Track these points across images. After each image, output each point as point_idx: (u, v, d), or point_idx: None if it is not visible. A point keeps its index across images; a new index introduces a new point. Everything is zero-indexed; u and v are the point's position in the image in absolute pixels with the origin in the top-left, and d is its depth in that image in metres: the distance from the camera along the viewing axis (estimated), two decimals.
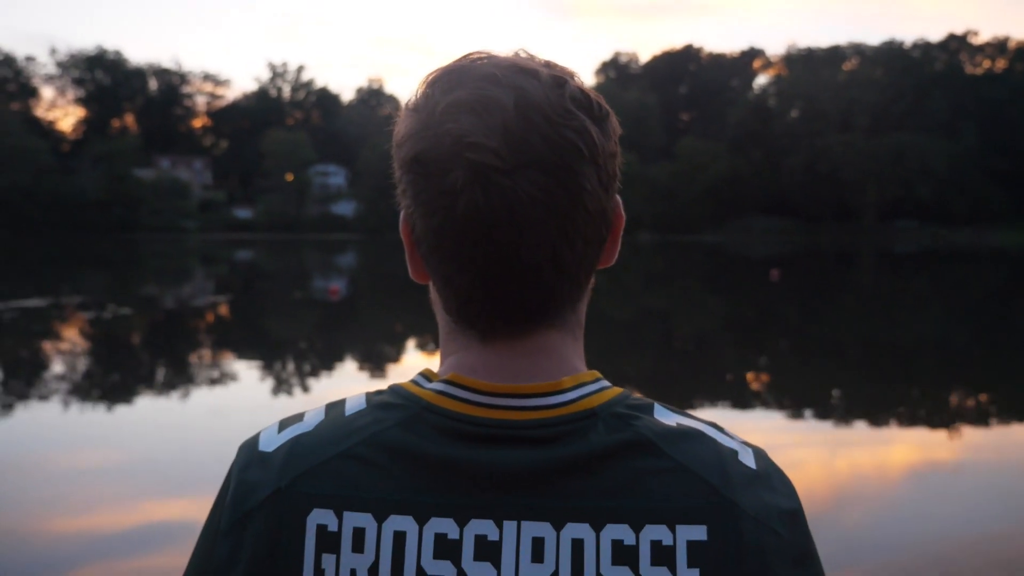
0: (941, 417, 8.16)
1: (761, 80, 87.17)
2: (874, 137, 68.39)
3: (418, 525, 0.60)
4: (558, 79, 0.64)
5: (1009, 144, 69.94)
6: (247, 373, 10.08)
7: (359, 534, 0.60)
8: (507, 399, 0.64)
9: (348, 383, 9.44)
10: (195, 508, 5.11)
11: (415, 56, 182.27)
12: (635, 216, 66.79)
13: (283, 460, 0.64)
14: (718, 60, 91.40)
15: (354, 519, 0.60)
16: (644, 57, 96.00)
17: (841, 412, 8.33)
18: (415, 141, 0.64)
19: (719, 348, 12.84)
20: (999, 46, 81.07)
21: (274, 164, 74.96)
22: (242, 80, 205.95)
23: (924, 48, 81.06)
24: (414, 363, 11.27)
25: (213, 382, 9.53)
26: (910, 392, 9.41)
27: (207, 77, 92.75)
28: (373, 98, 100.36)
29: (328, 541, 0.60)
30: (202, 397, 8.59)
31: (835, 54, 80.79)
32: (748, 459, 0.67)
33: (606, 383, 0.68)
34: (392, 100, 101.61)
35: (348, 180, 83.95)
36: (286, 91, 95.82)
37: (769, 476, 0.67)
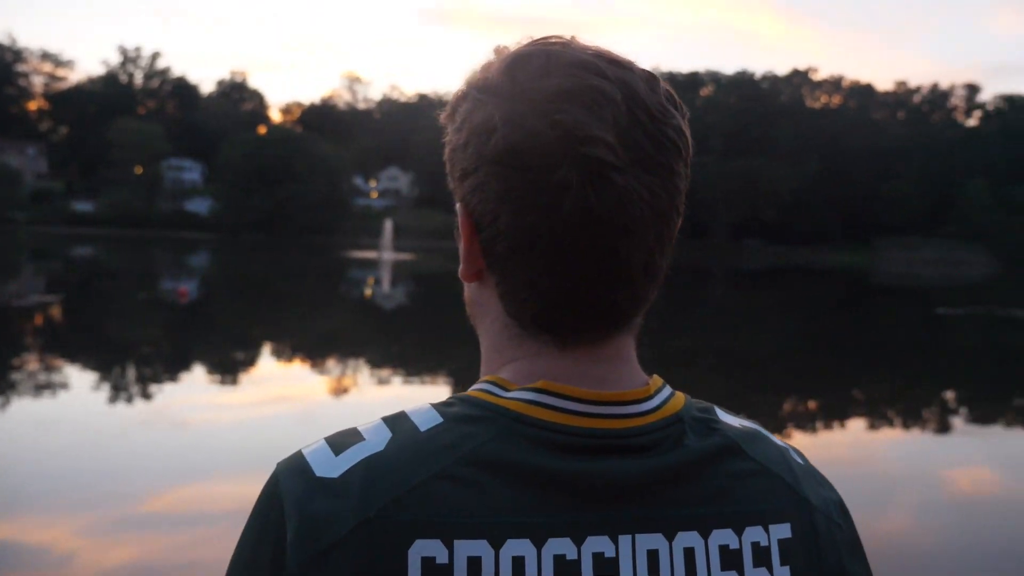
0: (782, 420, 8.68)
1: None
2: (727, 161, 72.75)
3: (536, 548, 0.55)
4: (650, 75, 0.62)
5: (845, 173, 76.49)
6: (79, 380, 9.29)
7: (474, 564, 0.53)
8: (606, 407, 0.61)
9: (196, 392, 8.89)
10: (14, 530, 4.61)
11: (284, 53, 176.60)
12: None
13: (362, 486, 0.55)
14: None
15: (467, 547, 0.54)
16: None
17: None
18: (509, 130, 0.59)
19: None
20: (835, 83, 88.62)
21: (122, 155, 70.13)
22: (88, 63, 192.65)
23: (772, 80, 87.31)
24: (268, 371, 10.78)
25: (39, 390, 8.67)
26: (754, 398, 9.95)
27: (46, 56, 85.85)
28: (236, 92, 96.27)
29: (437, 574, 0.53)
30: (25, 407, 7.81)
31: (694, 80, 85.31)
32: (796, 456, 0.69)
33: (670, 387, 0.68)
34: (256, 95, 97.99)
35: (204, 176, 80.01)
36: (138, 78, 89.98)
37: (814, 470, 0.69)
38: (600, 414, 0.61)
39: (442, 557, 0.53)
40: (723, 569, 0.59)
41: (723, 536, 0.60)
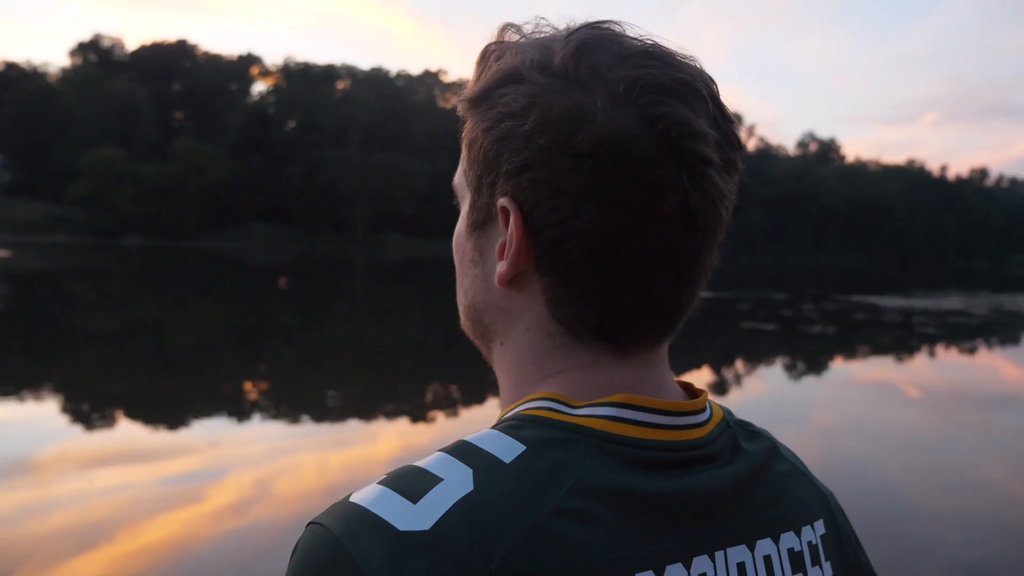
0: (422, 409, 9.07)
1: (260, 87, 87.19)
2: (366, 154, 73.97)
3: None
4: (705, 71, 0.60)
5: None
6: None
7: None
8: (680, 417, 0.58)
9: None
10: None
11: None
12: (122, 218, 60.76)
13: (469, 536, 0.47)
14: (215, 61, 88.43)
15: None
16: (131, 45, 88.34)
17: (338, 413, 8.66)
18: (605, 120, 0.53)
19: (219, 359, 12.31)
20: (463, 86, 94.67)
21: None
22: None
23: (407, 79, 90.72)
24: None
25: None
26: (396, 387, 10.26)
27: None
28: None
29: None
30: None
31: (330, 72, 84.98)
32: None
33: None
34: None
35: None
36: None
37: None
38: (678, 425, 0.57)
39: None
40: (793, 573, 0.59)
41: (789, 540, 0.60)
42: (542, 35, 0.61)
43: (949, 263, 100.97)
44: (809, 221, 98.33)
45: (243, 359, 12.23)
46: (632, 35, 0.59)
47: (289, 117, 78.30)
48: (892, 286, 38.14)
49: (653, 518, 0.52)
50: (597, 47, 0.57)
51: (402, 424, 8.26)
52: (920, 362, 14.17)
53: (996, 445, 7.89)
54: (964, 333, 18.58)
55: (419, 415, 8.68)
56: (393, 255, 59.55)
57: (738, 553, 0.56)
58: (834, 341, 16.55)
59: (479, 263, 0.63)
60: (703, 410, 0.60)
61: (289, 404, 8.93)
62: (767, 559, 0.57)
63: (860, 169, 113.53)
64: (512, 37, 0.63)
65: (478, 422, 8.54)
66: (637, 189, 0.54)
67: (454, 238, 0.67)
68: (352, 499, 0.51)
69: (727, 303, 24.63)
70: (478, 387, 10.43)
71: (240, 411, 8.45)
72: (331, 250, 62.13)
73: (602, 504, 0.50)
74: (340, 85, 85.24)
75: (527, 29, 0.62)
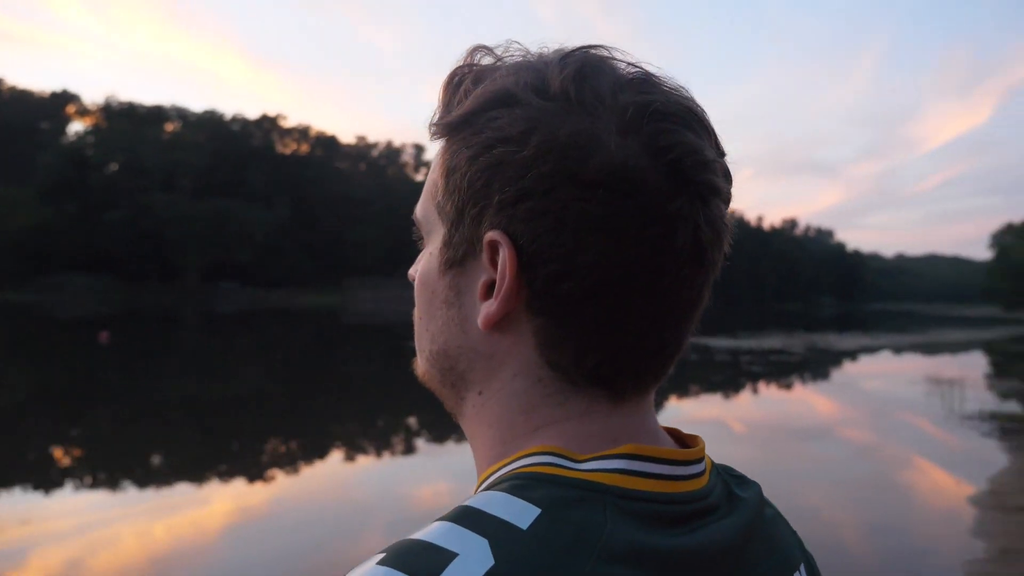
0: (259, 467, 8.52)
1: (76, 127, 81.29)
2: (198, 200, 70.50)
3: None
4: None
5: (315, 218, 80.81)
6: None
7: None
8: (683, 467, 0.53)
9: None
10: None
11: None
12: None
13: None
14: (24, 97, 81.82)
15: None
16: None
17: (164, 477, 7.95)
18: (616, 149, 0.50)
19: (27, 423, 11.03)
20: (303, 131, 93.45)
21: None
22: None
23: (243, 123, 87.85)
24: None
25: None
26: (231, 446, 9.60)
27: None
28: None
29: None
30: None
31: (158, 113, 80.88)
32: None
33: None
34: None
35: None
36: None
37: None
38: (684, 475, 0.53)
39: None
40: None
41: None
42: (518, 58, 0.56)
43: (767, 305, 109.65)
44: None
45: (56, 422, 11.03)
46: (626, 58, 0.55)
47: (110, 159, 73.47)
48: (720, 327, 40.75)
49: None
50: (597, 70, 0.53)
51: (238, 485, 7.70)
52: (746, 398, 15.10)
53: (813, 474, 8.45)
54: (785, 370, 20.10)
55: (256, 474, 8.14)
56: (228, 306, 56.68)
57: None
58: (671, 380, 17.27)
59: (454, 304, 0.56)
60: (702, 459, 0.56)
61: (108, 470, 8.11)
62: None
63: None
64: (485, 60, 0.57)
65: (323, 478, 8.17)
66: (649, 221, 0.50)
67: (419, 277, 0.60)
68: None
69: None
70: (320, 442, 9.99)
71: (49, 481, 7.56)
72: (158, 301, 58.25)
73: (632, 569, 0.46)
74: (169, 127, 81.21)
75: (499, 52, 0.57)
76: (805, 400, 14.91)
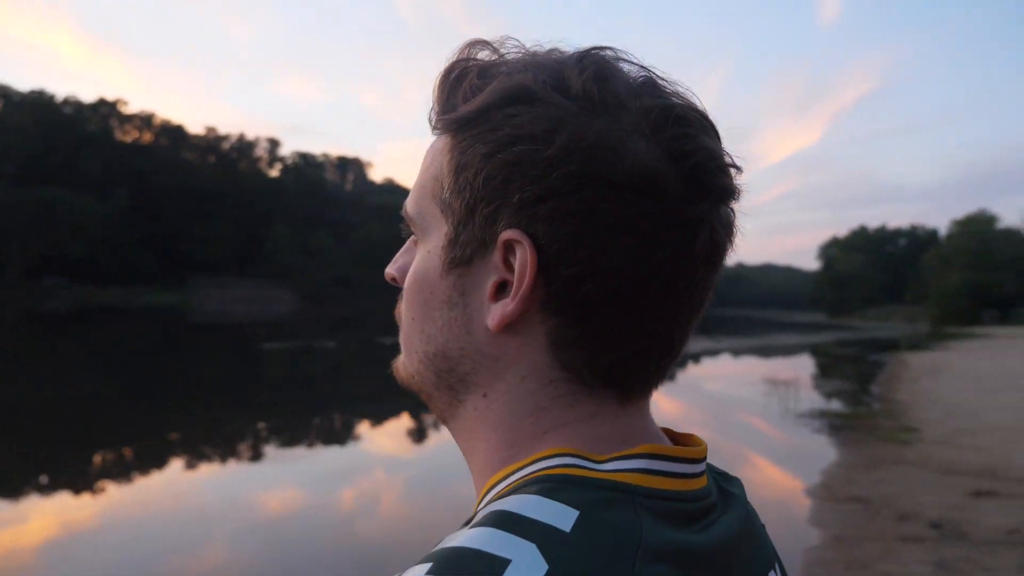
0: (86, 478, 7.78)
1: None
2: (23, 188, 64.43)
3: None
4: None
5: (158, 211, 75.92)
6: None
7: None
8: (692, 465, 0.54)
9: None
10: None
11: None
12: None
13: None
14: None
15: None
16: None
17: None
18: (645, 152, 0.50)
19: None
20: (146, 119, 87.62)
21: None
22: None
23: (76, 106, 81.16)
24: None
25: None
26: (54, 456, 8.72)
27: None
28: None
29: None
30: None
31: None
32: None
33: None
34: None
35: None
36: None
37: None
38: (693, 474, 0.54)
39: None
40: None
41: None
42: (520, 55, 0.56)
43: None
44: None
45: None
46: (628, 61, 0.56)
47: None
48: None
49: (705, 574, 0.49)
50: (613, 72, 0.53)
51: (63, 499, 6.98)
52: None
53: None
54: None
55: (83, 486, 7.42)
56: (56, 303, 52.11)
57: None
58: None
59: (458, 304, 0.55)
60: (705, 457, 0.57)
61: None
62: None
63: None
64: (483, 55, 0.57)
65: (160, 488, 7.55)
66: (671, 225, 0.51)
67: (412, 276, 0.58)
68: None
69: None
70: (158, 449, 9.28)
71: None
72: None
73: (671, 567, 0.47)
74: None
75: (497, 47, 0.57)
76: (652, 401, 15.50)
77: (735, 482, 0.61)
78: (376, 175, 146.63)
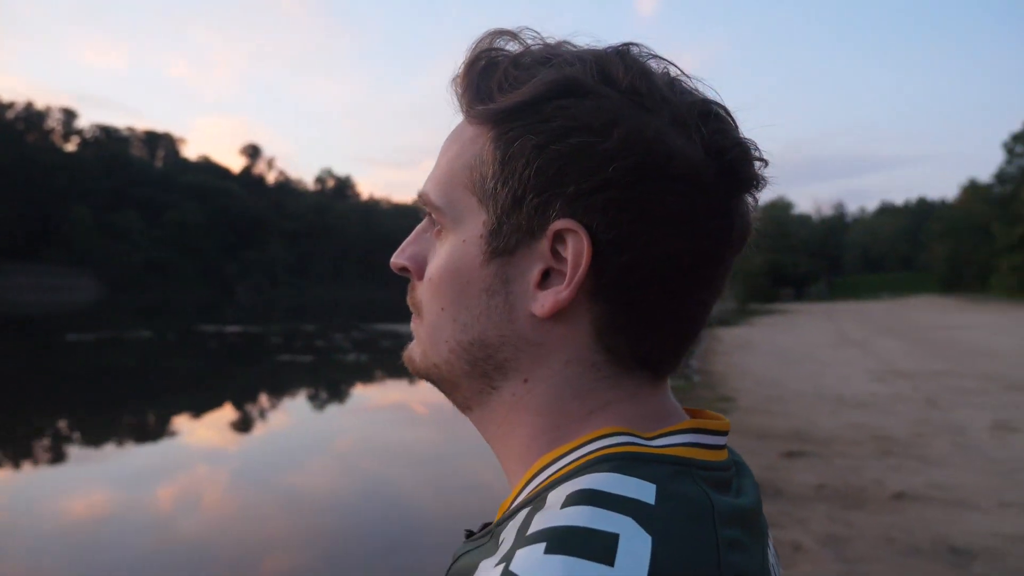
0: None
1: None
2: None
3: None
4: None
5: None
6: None
7: None
8: (724, 437, 0.58)
9: None
10: None
11: None
12: None
13: None
14: None
15: None
16: None
17: None
18: (696, 145, 0.53)
19: None
20: None
21: None
22: None
23: None
24: None
25: None
26: None
27: None
28: None
29: None
30: None
31: None
32: None
33: None
34: None
35: None
36: None
37: None
38: (722, 445, 0.58)
39: None
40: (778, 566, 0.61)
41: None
42: (546, 46, 0.57)
43: None
44: (329, 254, 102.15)
45: None
46: (654, 57, 0.58)
47: None
48: (406, 314, 41.50)
49: (753, 536, 0.53)
50: (650, 68, 0.56)
51: None
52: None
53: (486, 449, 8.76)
54: None
55: None
56: None
57: (771, 554, 0.59)
58: (371, 367, 17.16)
59: (499, 292, 0.56)
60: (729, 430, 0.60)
61: None
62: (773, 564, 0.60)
63: (374, 206, 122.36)
64: (510, 46, 0.58)
65: None
66: (714, 215, 0.54)
67: (443, 265, 0.58)
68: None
69: (259, 337, 23.92)
70: None
71: None
72: None
73: (737, 529, 0.50)
74: None
75: (522, 38, 0.59)
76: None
77: (733, 452, 0.63)
78: (190, 152, 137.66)
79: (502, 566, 0.44)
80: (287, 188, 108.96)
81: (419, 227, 0.63)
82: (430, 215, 0.61)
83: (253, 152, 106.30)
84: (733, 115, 0.57)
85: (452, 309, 0.58)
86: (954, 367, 12.83)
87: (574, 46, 0.57)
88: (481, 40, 0.58)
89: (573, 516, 0.45)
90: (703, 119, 0.54)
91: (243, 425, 10.12)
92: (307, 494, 6.69)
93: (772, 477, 6.58)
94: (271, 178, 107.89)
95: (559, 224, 0.52)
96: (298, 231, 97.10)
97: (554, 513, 0.46)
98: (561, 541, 0.44)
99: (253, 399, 12.46)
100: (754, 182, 0.56)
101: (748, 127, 0.58)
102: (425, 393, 13.49)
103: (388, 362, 18.33)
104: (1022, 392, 10.23)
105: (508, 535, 0.49)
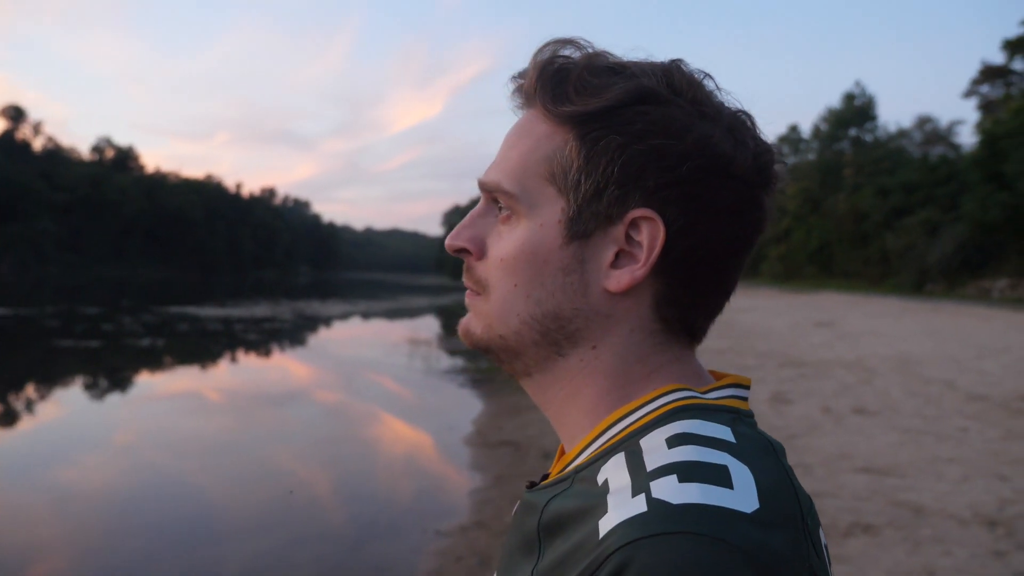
0: None
1: None
2: None
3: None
4: None
5: None
6: None
7: (821, 546, 0.59)
8: (749, 390, 0.68)
9: None
10: None
11: None
12: None
13: (784, 505, 0.54)
14: None
15: (822, 535, 0.60)
16: None
17: None
18: (751, 150, 0.64)
19: None
20: None
21: None
22: None
23: None
24: None
25: None
26: None
27: None
28: None
29: (822, 560, 0.57)
30: None
31: None
32: None
33: None
34: None
35: None
36: None
37: None
38: (747, 397, 0.67)
39: (820, 544, 0.57)
40: None
41: None
42: (608, 55, 0.66)
43: (246, 273, 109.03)
44: (108, 230, 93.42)
45: None
46: (697, 71, 0.67)
47: None
48: (202, 296, 39.18)
49: (785, 472, 0.61)
50: (702, 82, 0.65)
51: None
52: (255, 365, 14.91)
53: (286, 436, 8.53)
54: (279, 336, 20.30)
55: None
56: None
57: None
58: (170, 353, 16.10)
59: (576, 271, 0.64)
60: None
61: None
62: None
63: (161, 180, 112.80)
64: (566, 52, 0.66)
65: None
66: (755, 208, 0.65)
67: (520, 247, 0.66)
68: (686, 500, 0.51)
69: (32, 320, 21.59)
70: None
71: None
72: None
73: (786, 461, 0.61)
74: None
75: (582, 45, 0.67)
76: (286, 365, 15.33)
77: None
78: None
79: (642, 495, 0.52)
80: (58, 156, 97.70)
81: (474, 211, 0.70)
82: (492, 201, 0.69)
83: (16, 114, 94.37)
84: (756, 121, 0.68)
85: (526, 286, 0.65)
86: (734, 345, 14.36)
87: (613, 55, 0.66)
88: (547, 46, 0.66)
89: (684, 453, 0.54)
90: (744, 127, 0.65)
91: (5, 419, 9.24)
92: (82, 493, 6.22)
93: None
94: (38, 144, 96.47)
95: (637, 212, 0.62)
96: (71, 204, 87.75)
97: (664, 452, 0.55)
98: (687, 471, 0.52)
99: (19, 389, 11.29)
100: (777, 179, 0.66)
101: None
102: (250, 377, 13.03)
103: (190, 346, 17.39)
104: (794, 368, 11.60)
105: (613, 474, 0.57)
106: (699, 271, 0.63)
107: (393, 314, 32.02)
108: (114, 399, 10.98)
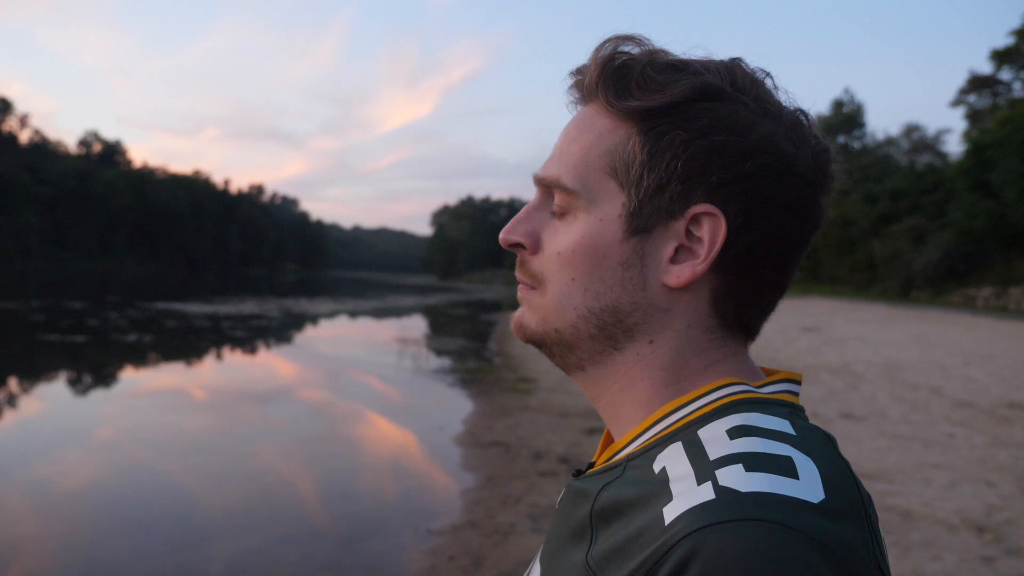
0: None
1: None
2: None
3: None
4: None
5: None
6: None
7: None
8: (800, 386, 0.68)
9: None
10: None
11: None
12: None
13: (847, 496, 0.53)
14: None
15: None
16: None
17: None
18: (813, 149, 0.64)
19: None
20: None
21: None
22: None
23: None
24: None
25: None
26: None
27: None
28: None
29: (881, 552, 0.56)
30: None
31: None
32: None
33: None
34: None
35: None
36: None
37: None
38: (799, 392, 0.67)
39: (881, 537, 0.57)
40: None
41: None
42: (668, 52, 0.65)
43: (233, 270, 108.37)
44: (94, 225, 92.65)
45: None
46: (756, 69, 0.67)
47: None
48: (189, 292, 38.92)
49: None
50: (763, 80, 0.65)
51: None
52: (242, 362, 14.79)
53: (273, 435, 8.43)
54: (267, 334, 20.18)
55: None
56: None
57: None
58: (156, 349, 15.96)
59: (636, 265, 0.64)
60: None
61: None
62: None
63: (148, 175, 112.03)
64: (631, 49, 0.65)
65: None
66: (814, 206, 0.64)
67: (580, 241, 0.65)
68: (754, 489, 0.50)
69: (16, 314, 21.39)
70: None
71: None
72: None
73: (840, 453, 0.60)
74: None
75: (643, 42, 0.66)
76: (274, 363, 15.25)
77: None
78: None
79: (708, 483, 0.51)
80: (44, 150, 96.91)
81: (529, 206, 0.70)
82: (547, 195, 0.69)
83: (2, 106, 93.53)
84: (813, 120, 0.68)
85: (584, 280, 0.65)
86: None
87: (673, 53, 0.66)
88: (607, 42, 0.66)
89: (748, 444, 0.54)
90: (803, 127, 0.64)
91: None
92: (64, 490, 6.12)
93: (577, 452, 7.16)
94: (24, 137, 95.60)
95: (699, 208, 0.61)
96: (57, 198, 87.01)
97: (726, 443, 0.55)
98: (753, 461, 0.52)
99: (1, 383, 11.18)
100: (834, 179, 0.66)
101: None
102: (234, 375, 12.94)
103: (179, 343, 17.27)
104: None
105: (671, 463, 0.56)
106: (758, 268, 0.63)
107: (381, 313, 31.86)
108: (98, 395, 10.86)
